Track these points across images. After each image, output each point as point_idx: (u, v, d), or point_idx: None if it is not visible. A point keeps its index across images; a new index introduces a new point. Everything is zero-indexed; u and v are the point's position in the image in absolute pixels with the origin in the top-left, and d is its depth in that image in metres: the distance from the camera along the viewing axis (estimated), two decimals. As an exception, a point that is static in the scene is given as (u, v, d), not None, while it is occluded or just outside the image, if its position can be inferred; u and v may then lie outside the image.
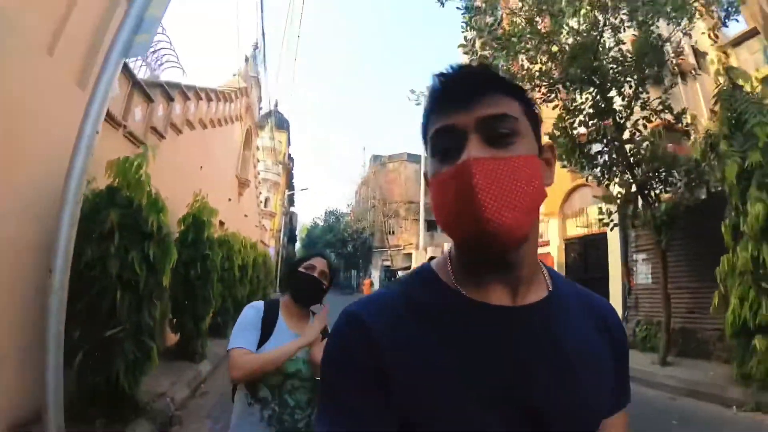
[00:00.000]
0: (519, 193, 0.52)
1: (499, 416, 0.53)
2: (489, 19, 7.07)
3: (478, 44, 7.07)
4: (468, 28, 6.98)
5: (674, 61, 6.96)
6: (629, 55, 6.73)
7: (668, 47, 6.87)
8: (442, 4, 7.00)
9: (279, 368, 1.47)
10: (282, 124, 36.02)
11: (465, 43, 7.10)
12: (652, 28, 6.61)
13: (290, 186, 39.76)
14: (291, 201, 41.64)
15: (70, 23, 3.62)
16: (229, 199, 11.72)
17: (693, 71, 6.72)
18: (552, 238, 12.23)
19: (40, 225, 3.11)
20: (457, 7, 7.11)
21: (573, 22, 6.58)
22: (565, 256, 11.63)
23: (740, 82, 5.85)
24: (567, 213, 12.12)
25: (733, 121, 5.50)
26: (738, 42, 8.43)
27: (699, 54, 7.00)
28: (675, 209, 6.51)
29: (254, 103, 15.25)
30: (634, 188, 6.63)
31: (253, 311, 1.58)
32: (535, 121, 0.60)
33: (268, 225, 25.87)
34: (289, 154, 41.47)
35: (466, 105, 0.56)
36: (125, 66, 4.27)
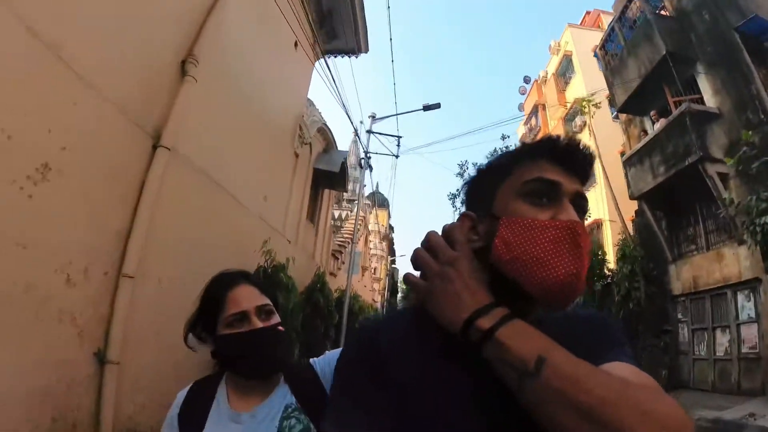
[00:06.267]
0: (589, 262, 0.61)
1: None
2: None
3: None
4: None
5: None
6: None
7: None
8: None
9: None
10: (383, 203, 44.65)
11: None
12: None
13: (392, 252, 48.47)
14: (392, 261, 49.72)
15: (320, 240, 13.06)
16: (357, 281, 20.98)
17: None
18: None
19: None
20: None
21: None
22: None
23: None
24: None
25: (623, 252, 11.08)
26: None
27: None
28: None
29: (368, 218, 25.09)
30: None
31: (172, 409, 1.08)
32: None
33: (377, 287, 35.22)
34: (390, 224, 50.06)
35: (574, 173, 0.63)
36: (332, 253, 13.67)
